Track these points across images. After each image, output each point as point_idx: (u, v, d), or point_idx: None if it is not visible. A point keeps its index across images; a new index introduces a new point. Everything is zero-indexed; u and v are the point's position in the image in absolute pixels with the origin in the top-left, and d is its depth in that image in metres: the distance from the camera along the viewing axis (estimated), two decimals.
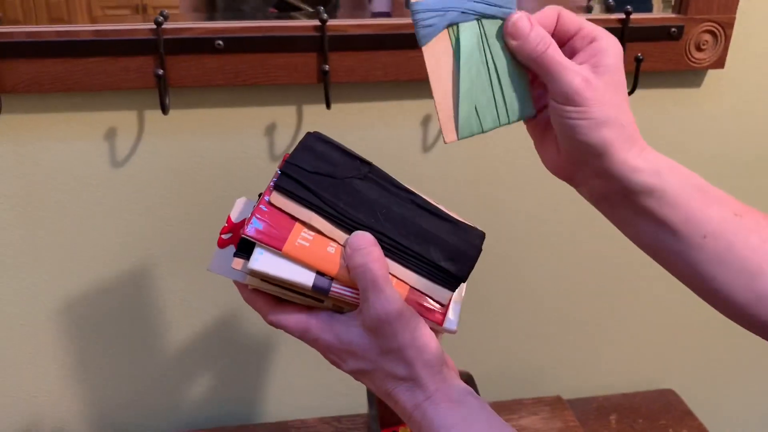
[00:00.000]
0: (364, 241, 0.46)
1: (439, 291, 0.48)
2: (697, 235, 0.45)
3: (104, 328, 0.86)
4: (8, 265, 0.81)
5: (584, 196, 0.49)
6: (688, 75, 0.85)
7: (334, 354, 0.47)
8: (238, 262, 0.46)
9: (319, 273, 0.46)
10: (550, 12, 0.46)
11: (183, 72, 0.73)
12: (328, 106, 0.77)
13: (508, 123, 0.47)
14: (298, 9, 0.79)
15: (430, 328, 0.47)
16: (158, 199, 0.81)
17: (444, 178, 0.85)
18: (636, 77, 0.80)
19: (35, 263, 0.81)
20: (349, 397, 0.95)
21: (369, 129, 0.81)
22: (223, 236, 0.50)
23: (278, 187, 0.47)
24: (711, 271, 0.45)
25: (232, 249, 0.50)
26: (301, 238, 0.46)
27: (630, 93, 0.81)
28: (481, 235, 0.50)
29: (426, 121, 0.82)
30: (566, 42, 0.46)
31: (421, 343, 0.45)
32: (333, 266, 0.46)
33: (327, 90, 0.76)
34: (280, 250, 0.45)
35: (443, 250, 0.48)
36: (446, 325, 0.48)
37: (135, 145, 0.78)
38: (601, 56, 0.44)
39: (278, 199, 0.46)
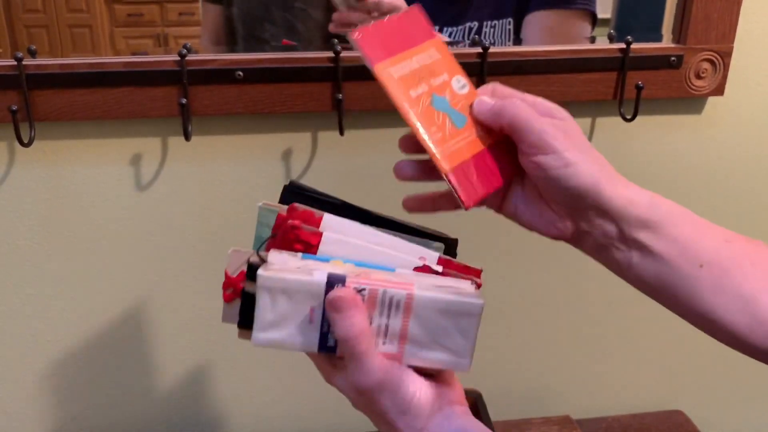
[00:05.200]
0: (345, 302, 0.43)
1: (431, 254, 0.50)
2: (694, 265, 0.47)
3: (127, 342, 0.90)
4: (38, 284, 0.85)
5: (586, 251, 0.51)
6: (689, 102, 0.88)
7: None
8: (243, 334, 0.47)
9: (322, 341, 0.45)
10: (486, 87, 0.52)
11: (205, 101, 0.78)
12: (342, 133, 0.81)
13: None
14: None
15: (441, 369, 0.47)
16: (180, 220, 0.85)
17: None
18: (637, 104, 0.83)
19: (63, 282, 0.85)
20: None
21: (381, 153, 0.85)
22: (226, 292, 0.50)
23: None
24: (709, 302, 0.47)
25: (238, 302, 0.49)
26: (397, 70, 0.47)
27: (631, 120, 0.84)
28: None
29: None
30: None
31: (403, 408, 0.45)
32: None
33: (341, 117, 0.80)
34: (378, 62, 0.47)
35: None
36: (458, 366, 0.47)
37: (159, 170, 0.82)
38: (552, 111, 0.49)
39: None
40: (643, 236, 0.47)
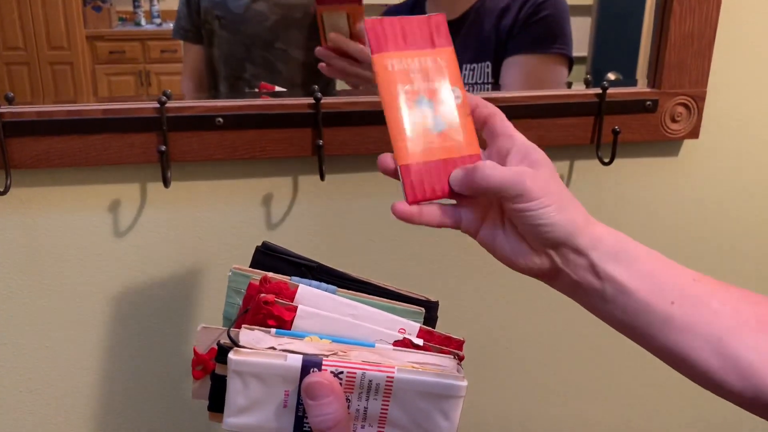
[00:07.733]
0: (322, 388, 0.42)
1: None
2: (666, 301, 0.47)
3: (105, 394, 0.87)
4: (12, 333, 0.83)
5: (561, 289, 0.52)
6: (665, 145, 0.89)
7: None
8: (214, 417, 0.46)
9: (297, 425, 0.44)
10: (489, 109, 0.54)
11: (184, 147, 0.77)
12: (322, 178, 0.80)
13: None
14: None
15: None
16: (158, 267, 0.83)
17: (438, 239, 0.88)
18: (614, 148, 0.84)
19: (38, 330, 0.83)
20: None
21: (361, 198, 0.85)
22: (196, 369, 0.50)
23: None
24: (680, 340, 0.47)
25: (208, 379, 0.49)
26: None
27: (609, 163, 0.85)
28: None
29: None
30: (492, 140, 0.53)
31: None
32: None
33: (321, 162, 0.80)
34: (378, 52, 0.47)
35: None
36: None
37: (137, 217, 0.81)
38: (530, 154, 0.50)
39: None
40: (615, 271, 0.48)
